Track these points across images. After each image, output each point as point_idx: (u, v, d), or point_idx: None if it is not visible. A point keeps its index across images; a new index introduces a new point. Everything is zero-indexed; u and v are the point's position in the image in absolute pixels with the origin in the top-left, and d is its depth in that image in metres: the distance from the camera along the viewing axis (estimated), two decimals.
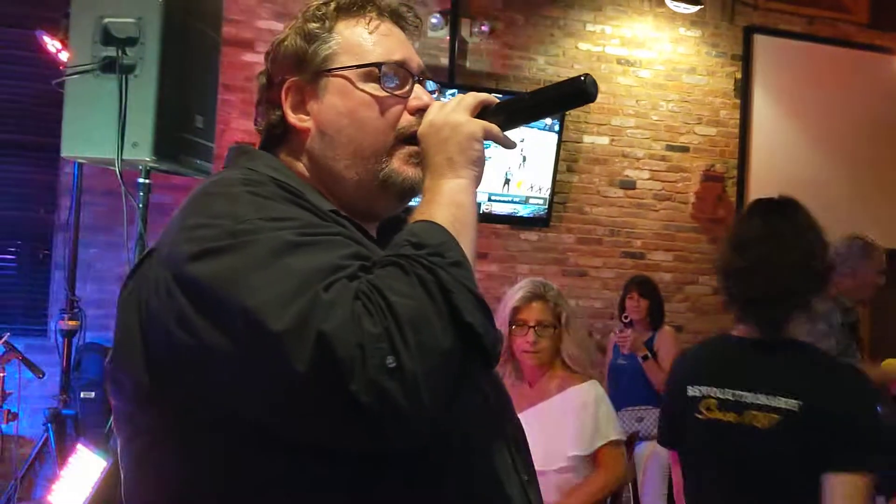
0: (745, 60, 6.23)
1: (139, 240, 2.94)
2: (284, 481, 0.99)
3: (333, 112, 1.16)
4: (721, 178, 6.17)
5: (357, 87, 1.16)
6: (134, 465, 1.10)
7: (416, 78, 1.20)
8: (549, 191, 5.62)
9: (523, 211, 5.62)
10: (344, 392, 0.87)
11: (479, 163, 1.12)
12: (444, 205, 1.06)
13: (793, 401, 1.83)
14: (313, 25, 1.18)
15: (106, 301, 4.62)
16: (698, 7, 5.76)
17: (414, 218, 1.06)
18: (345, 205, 1.16)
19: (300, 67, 1.18)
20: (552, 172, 5.60)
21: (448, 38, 5.53)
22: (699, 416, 1.99)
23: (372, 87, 1.16)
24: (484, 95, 1.17)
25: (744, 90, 6.23)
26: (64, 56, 3.70)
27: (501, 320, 2.80)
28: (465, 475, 1.08)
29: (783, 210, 2.06)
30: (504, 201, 5.55)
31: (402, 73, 1.18)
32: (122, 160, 2.73)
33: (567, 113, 5.66)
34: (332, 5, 1.20)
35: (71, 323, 4.05)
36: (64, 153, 2.92)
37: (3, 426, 3.93)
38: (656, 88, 6.09)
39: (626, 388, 4.60)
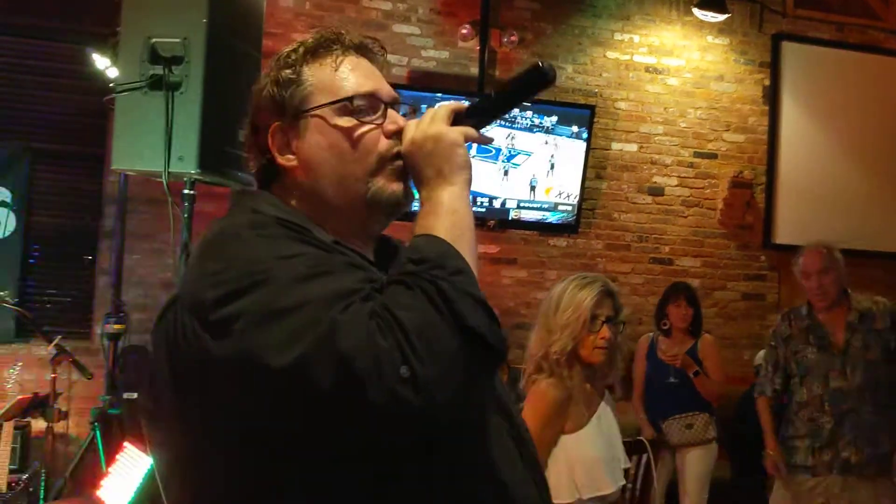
0: (774, 67, 6.27)
1: (184, 247, 3.08)
2: (305, 489, 1.09)
3: (316, 148, 1.24)
4: (749, 184, 6.22)
5: (333, 123, 1.24)
6: (170, 481, 1.21)
7: (388, 104, 1.28)
8: (577, 197, 5.71)
9: (552, 217, 5.71)
10: (366, 402, 0.98)
11: (466, 166, 1.21)
12: (442, 214, 1.15)
13: None
14: (286, 72, 1.26)
15: (149, 306, 4.80)
16: (725, 15, 5.82)
17: (416, 232, 1.15)
18: (339, 229, 1.25)
19: (280, 112, 1.25)
20: (581, 179, 5.69)
21: (478, 48, 5.65)
22: None
23: (346, 121, 1.24)
24: (454, 103, 1.25)
25: (772, 97, 6.28)
26: (112, 73, 3.87)
27: (576, 317, 2.67)
28: (476, 462, 1.18)
29: None
30: (533, 208, 5.64)
31: (373, 102, 1.26)
32: (168, 173, 2.88)
33: (595, 120, 5.76)
34: (301, 51, 1.28)
35: (116, 326, 4.22)
36: (114, 165, 3.07)
37: (54, 425, 4.10)
38: (684, 96, 6.15)
39: (675, 399, 4.61)
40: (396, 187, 1.24)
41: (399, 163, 1.24)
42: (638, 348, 4.97)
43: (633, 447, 3.92)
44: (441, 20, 5.69)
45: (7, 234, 5.11)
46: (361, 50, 1.30)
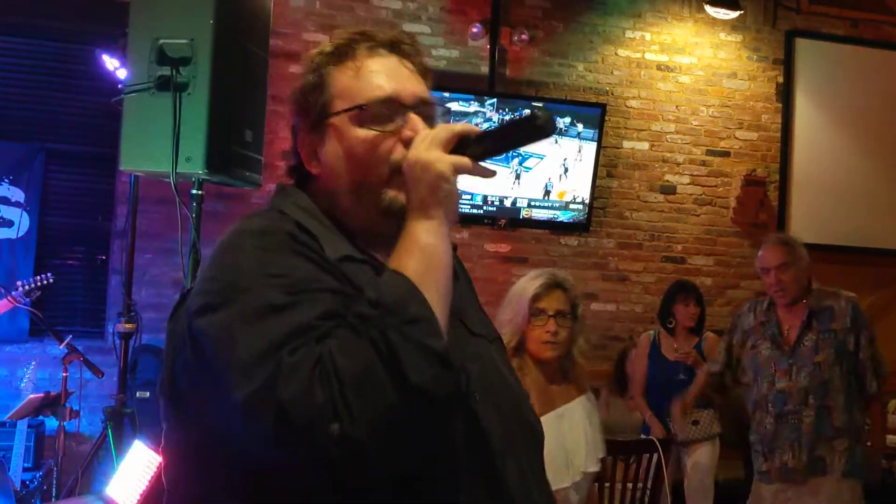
0: (787, 64, 6.23)
1: (192, 247, 3.10)
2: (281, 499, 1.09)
3: (334, 156, 1.23)
4: (763, 182, 6.18)
5: (350, 130, 1.22)
6: (170, 471, 1.25)
7: (410, 108, 1.23)
8: (588, 196, 5.69)
9: (563, 216, 5.70)
10: (306, 454, 0.99)
11: (448, 201, 1.13)
12: (414, 251, 1.10)
13: None
14: (310, 76, 1.26)
15: (161, 305, 4.82)
16: (738, 12, 5.79)
17: (389, 263, 1.11)
18: (363, 232, 1.24)
19: (306, 117, 1.26)
20: (592, 178, 5.67)
21: (488, 46, 5.64)
22: None
23: (363, 127, 1.21)
24: (461, 127, 1.17)
25: (785, 94, 6.23)
26: (121, 74, 3.89)
27: (518, 310, 2.62)
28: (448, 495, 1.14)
29: None
30: (544, 207, 5.63)
31: (392, 107, 1.22)
32: (176, 173, 2.89)
33: (607, 118, 5.74)
34: (326, 52, 1.26)
35: (128, 326, 4.24)
36: (122, 166, 3.09)
37: (65, 423, 4.13)
38: (696, 93, 6.12)
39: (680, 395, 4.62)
40: (406, 199, 1.18)
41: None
42: (639, 346, 4.97)
43: (642, 447, 3.92)
44: (451, 19, 5.69)
45: (21, 234, 5.15)
46: (391, 47, 1.26)
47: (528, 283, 2.68)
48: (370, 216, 1.23)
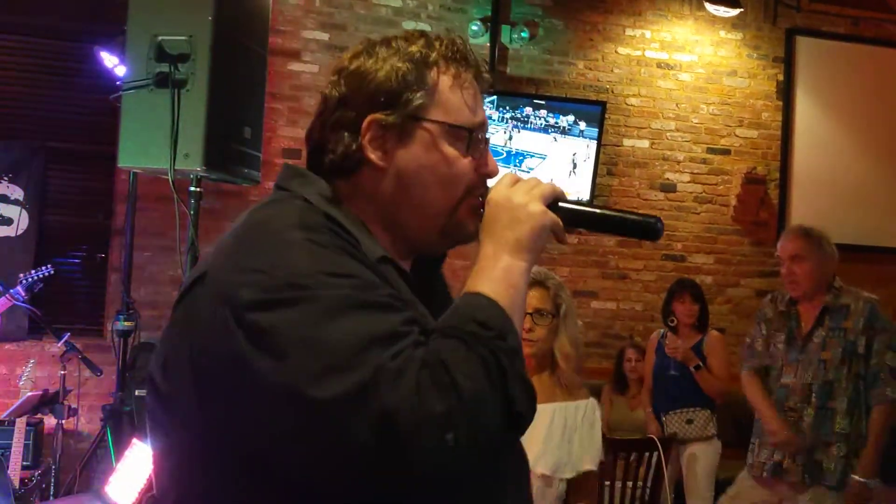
0: (788, 62, 6.22)
1: (191, 244, 3.10)
2: None
3: (415, 163, 1.17)
4: (763, 180, 6.17)
5: (441, 145, 1.17)
6: (165, 475, 1.14)
7: (486, 141, 1.24)
8: (588, 194, 5.69)
9: None
10: (403, 461, 0.94)
11: (540, 252, 1.16)
12: (504, 284, 1.10)
13: None
14: (410, 68, 1.17)
15: (159, 302, 4.82)
16: (738, 10, 5.78)
17: (474, 287, 1.10)
18: (395, 242, 1.20)
19: (389, 106, 1.16)
20: (592, 176, 5.67)
21: (488, 44, 5.63)
22: None
23: (454, 147, 1.18)
24: (557, 189, 1.20)
25: (786, 92, 6.22)
26: (120, 71, 3.89)
27: None
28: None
29: None
30: None
31: (481, 135, 1.21)
32: (174, 170, 2.89)
33: (606, 117, 5.73)
34: (433, 53, 1.19)
35: (127, 324, 4.24)
36: (121, 163, 3.09)
37: (63, 422, 4.13)
38: (697, 91, 6.11)
39: (676, 393, 4.61)
40: (473, 227, 1.19)
41: (478, 202, 1.19)
42: (648, 343, 4.98)
43: (642, 445, 3.91)
44: (451, 16, 5.68)
45: (20, 232, 5.15)
46: (478, 75, 1.23)
47: None
48: (423, 232, 1.20)
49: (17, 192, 5.15)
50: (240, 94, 3.17)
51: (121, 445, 3.77)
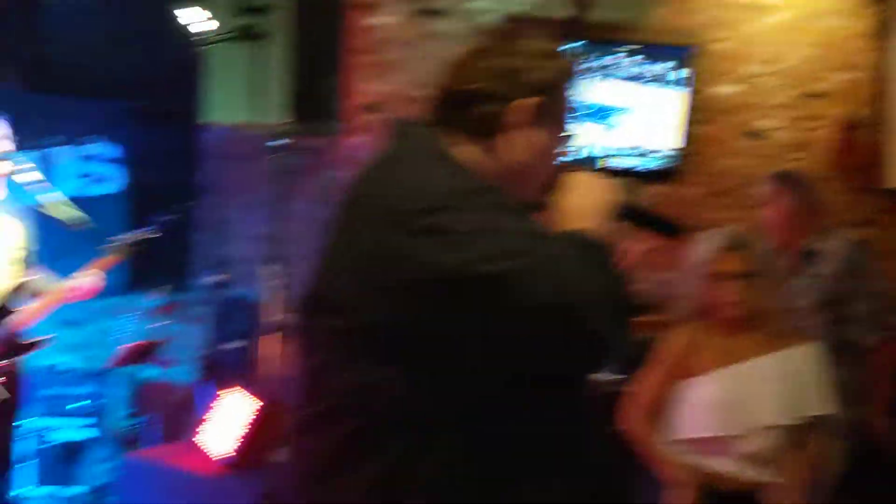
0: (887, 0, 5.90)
1: (277, 199, 3.13)
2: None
3: (539, 143, 1.45)
4: (859, 125, 5.88)
5: (554, 134, 1.48)
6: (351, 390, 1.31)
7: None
8: (675, 144, 5.54)
9: (648, 165, 5.56)
10: (581, 334, 1.23)
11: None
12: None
13: None
14: (566, 83, 1.50)
15: (247, 258, 4.92)
16: None
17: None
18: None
19: (541, 99, 1.43)
20: (680, 124, 5.51)
21: None
22: None
23: (557, 136, 1.50)
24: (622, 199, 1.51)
25: (885, 32, 5.91)
26: (201, 26, 3.92)
27: (694, 272, 2.64)
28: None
29: None
30: (630, 155, 5.51)
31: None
32: (258, 124, 2.91)
33: (694, 62, 5.54)
34: (561, 74, 1.50)
35: (218, 278, 4.36)
36: (206, 118, 3.13)
37: (161, 373, 4.28)
38: (789, 33, 5.84)
39: None
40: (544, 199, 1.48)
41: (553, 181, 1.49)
42: None
43: None
44: None
45: (115, 190, 5.32)
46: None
47: (705, 245, 2.65)
48: (525, 193, 1.46)
49: (110, 151, 5.31)
50: (322, 46, 3.17)
51: (213, 396, 3.90)
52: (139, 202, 5.31)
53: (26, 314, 3.48)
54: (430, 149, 1.36)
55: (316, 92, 3.14)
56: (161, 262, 5.40)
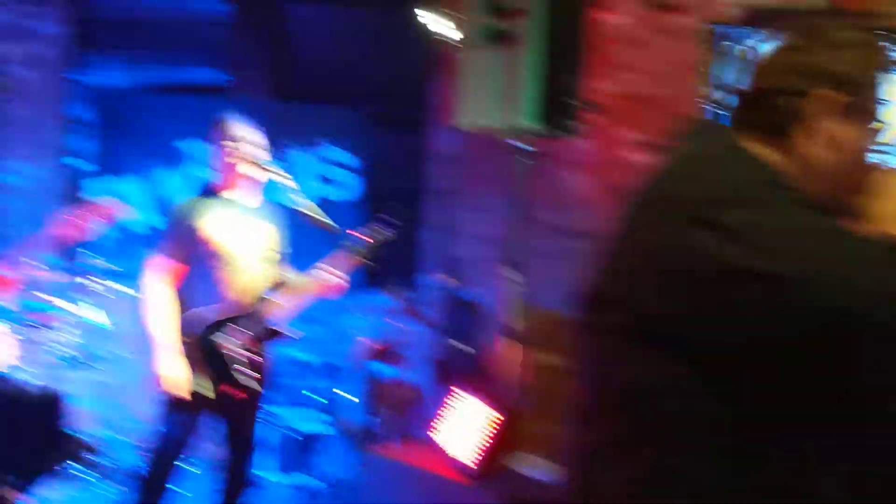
0: None
1: (514, 202, 3.08)
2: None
3: (845, 139, 1.34)
4: None
5: (862, 130, 1.37)
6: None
7: None
8: None
9: None
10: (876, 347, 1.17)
11: None
12: None
13: None
14: (872, 75, 1.37)
15: (477, 260, 4.93)
16: None
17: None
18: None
19: (845, 92, 1.33)
20: None
21: None
22: None
23: (867, 132, 1.37)
24: None
25: None
26: (441, 30, 3.94)
27: None
28: None
29: None
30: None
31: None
32: (510, 127, 2.87)
33: None
34: (873, 61, 1.38)
35: (448, 279, 4.39)
36: (457, 122, 3.13)
37: (396, 372, 4.39)
38: None
39: None
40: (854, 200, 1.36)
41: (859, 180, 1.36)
42: None
43: None
44: None
45: (353, 195, 5.53)
46: None
47: None
48: (828, 196, 1.35)
49: (350, 159, 5.52)
50: (570, 47, 3.08)
51: (442, 396, 3.92)
52: (375, 206, 5.49)
53: (279, 310, 3.65)
54: (728, 147, 1.32)
55: (563, 94, 3.06)
56: (393, 263, 5.56)
